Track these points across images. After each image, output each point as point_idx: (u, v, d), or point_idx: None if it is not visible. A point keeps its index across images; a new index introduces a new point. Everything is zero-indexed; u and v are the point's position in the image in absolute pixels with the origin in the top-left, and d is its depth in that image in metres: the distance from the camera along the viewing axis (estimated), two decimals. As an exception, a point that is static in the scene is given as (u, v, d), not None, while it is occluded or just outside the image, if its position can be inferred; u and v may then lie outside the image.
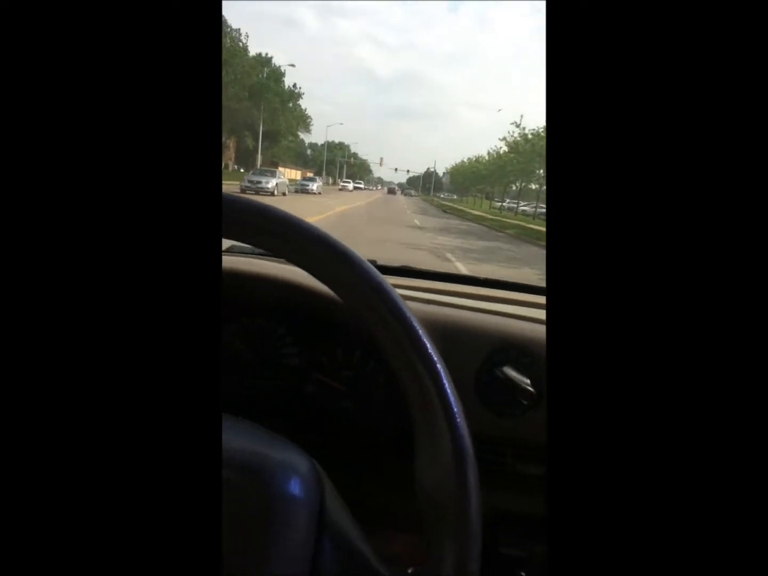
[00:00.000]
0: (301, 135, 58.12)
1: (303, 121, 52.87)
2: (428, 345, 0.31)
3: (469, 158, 59.19)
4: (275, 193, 19.57)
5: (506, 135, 29.99)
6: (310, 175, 37.68)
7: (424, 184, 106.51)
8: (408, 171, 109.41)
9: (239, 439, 0.31)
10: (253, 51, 44.10)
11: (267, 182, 19.54)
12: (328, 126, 65.69)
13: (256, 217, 0.32)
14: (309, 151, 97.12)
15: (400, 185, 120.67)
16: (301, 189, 26.82)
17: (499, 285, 0.98)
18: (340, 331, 0.72)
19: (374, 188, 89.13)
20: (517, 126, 28.03)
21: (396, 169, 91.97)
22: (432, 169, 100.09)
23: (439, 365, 0.31)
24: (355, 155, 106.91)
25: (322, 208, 15.19)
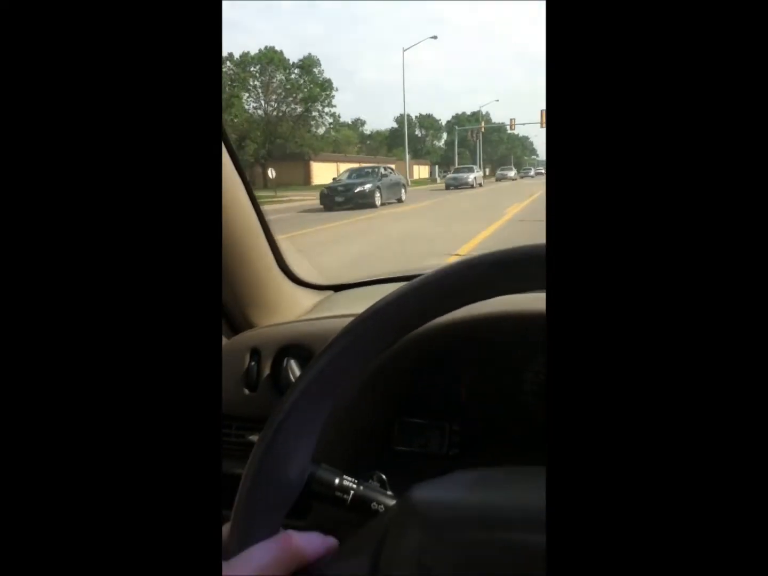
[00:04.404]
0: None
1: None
2: None
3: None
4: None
5: None
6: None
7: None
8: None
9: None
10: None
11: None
12: (405, 49, 31.39)
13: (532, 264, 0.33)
14: (418, 131, 61.60)
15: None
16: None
17: None
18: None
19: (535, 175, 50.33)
20: None
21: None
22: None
23: None
24: (501, 128, 67.86)
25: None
